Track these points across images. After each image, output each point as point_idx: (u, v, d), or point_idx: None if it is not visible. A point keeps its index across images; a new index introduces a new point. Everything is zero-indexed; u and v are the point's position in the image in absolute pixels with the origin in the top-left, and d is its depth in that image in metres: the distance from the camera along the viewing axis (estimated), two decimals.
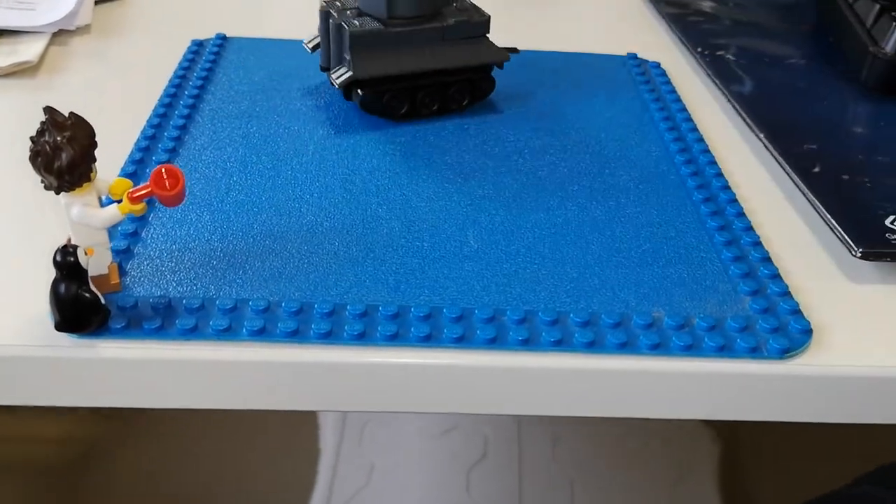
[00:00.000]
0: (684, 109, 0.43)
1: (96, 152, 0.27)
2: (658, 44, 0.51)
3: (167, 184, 0.27)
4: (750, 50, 0.49)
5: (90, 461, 0.79)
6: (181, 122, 0.39)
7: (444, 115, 0.41)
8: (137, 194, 0.27)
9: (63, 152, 0.25)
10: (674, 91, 0.45)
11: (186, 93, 0.41)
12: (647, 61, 0.48)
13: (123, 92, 0.42)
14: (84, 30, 0.47)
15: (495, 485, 0.84)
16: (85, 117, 0.26)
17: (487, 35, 0.40)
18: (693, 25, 0.52)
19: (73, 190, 0.26)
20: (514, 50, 0.49)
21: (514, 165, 0.38)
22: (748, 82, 0.45)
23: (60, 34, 0.46)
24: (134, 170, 0.35)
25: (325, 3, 0.40)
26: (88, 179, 0.26)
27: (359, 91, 0.39)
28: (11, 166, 0.33)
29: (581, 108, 0.43)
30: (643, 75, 0.46)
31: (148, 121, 0.38)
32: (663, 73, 0.47)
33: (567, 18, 0.54)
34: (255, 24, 0.50)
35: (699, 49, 0.49)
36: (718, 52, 0.48)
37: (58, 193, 0.26)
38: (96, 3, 0.50)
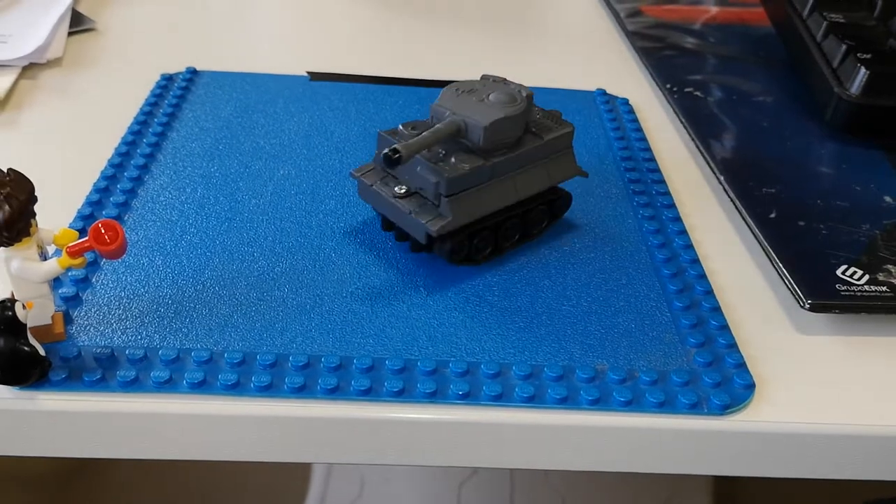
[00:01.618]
0: (648, 149, 0.43)
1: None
2: (630, 79, 0.51)
3: (106, 238, 0.27)
4: (718, 86, 0.49)
5: (84, 471, 0.80)
6: (142, 161, 0.39)
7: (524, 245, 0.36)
8: (76, 248, 0.27)
9: (1, 210, 0.25)
10: (639, 129, 0.45)
11: (151, 129, 0.42)
12: (616, 97, 0.48)
13: (89, 129, 0.42)
14: (55, 62, 0.48)
15: (486, 500, 0.84)
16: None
17: (571, 146, 0.35)
18: (664, 60, 0.52)
19: (13, 245, 0.26)
20: None
21: None
22: (713, 121, 0.45)
23: (31, 67, 0.47)
24: (90, 212, 0.35)
25: (384, 133, 0.34)
26: (28, 234, 0.26)
27: (444, 241, 0.33)
28: None
29: None
30: (611, 112, 0.46)
31: (109, 160, 0.39)
32: (631, 111, 0.47)
33: (540, 51, 0.54)
34: (227, 57, 0.50)
35: (668, 85, 0.49)
36: (687, 89, 0.48)
37: None
38: (69, 34, 0.51)
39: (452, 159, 0.32)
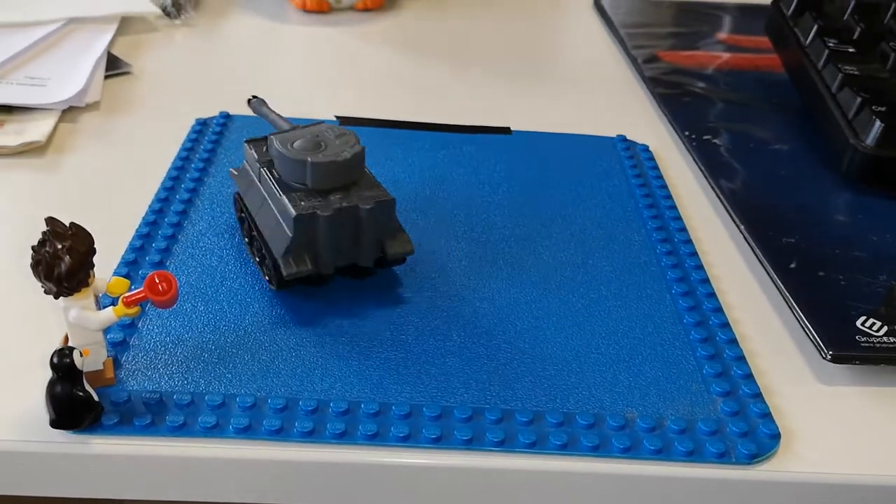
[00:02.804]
0: (669, 197, 0.44)
1: (96, 245, 0.28)
2: (649, 125, 0.53)
3: (160, 288, 0.28)
4: (736, 133, 0.50)
5: None
6: (181, 206, 0.40)
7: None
8: (132, 299, 0.28)
9: (62, 262, 0.27)
10: (660, 176, 0.46)
11: (188, 175, 0.43)
12: (636, 144, 0.49)
13: (129, 173, 0.43)
14: (93, 106, 0.49)
15: None
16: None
17: (290, 233, 0.33)
18: (682, 106, 0.53)
19: (72, 295, 0.27)
20: (506, 130, 0.51)
21: (500, 256, 0.39)
22: (732, 169, 0.46)
23: (70, 111, 0.48)
24: (134, 258, 0.37)
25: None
26: (87, 285, 0.28)
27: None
28: (16, 254, 0.34)
29: (568, 192, 0.44)
30: (631, 158, 0.48)
31: (150, 206, 0.40)
32: (651, 157, 0.48)
33: (560, 97, 0.56)
34: None
35: (686, 132, 0.50)
36: (705, 137, 0.50)
37: (56, 298, 0.28)
38: (105, 77, 0.52)
39: (264, 147, 0.37)
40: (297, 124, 0.37)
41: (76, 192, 0.42)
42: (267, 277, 0.36)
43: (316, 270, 0.34)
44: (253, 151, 0.37)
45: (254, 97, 0.42)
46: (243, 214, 0.38)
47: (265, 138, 0.37)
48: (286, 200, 0.33)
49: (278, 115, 0.40)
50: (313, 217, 0.33)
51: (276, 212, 0.34)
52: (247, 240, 0.38)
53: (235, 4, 0.67)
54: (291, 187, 0.34)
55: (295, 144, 0.35)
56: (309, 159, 0.34)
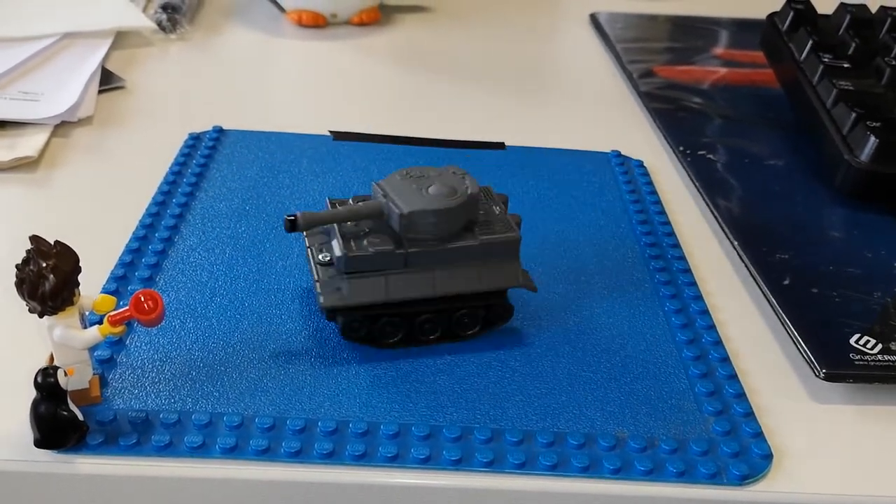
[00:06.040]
0: (663, 212, 0.44)
1: (86, 261, 0.28)
2: (643, 140, 0.53)
3: (146, 307, 0.28)
4: (730, 148, 0.50)
5: None
6: (172, 222, 0.40)
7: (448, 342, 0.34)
8: (118, 318, 0.28)
9: (46, 280, 0.26)
10: (654, 192, 0.46)
11: (180, 189, 0.43)
12: (630, 159, 0.49)
13: (120, 188, 0.43)
14: (86, 121, 0.49)
15: None
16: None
17: (517, 255, 0.33)
18: (677, 121, 0.53)
19: (56, 314, 0.27)
20: (500, 145, 0.50)
21: None
22: (726, 184, 0.46)
23: (63, 125, 0.48)
24: (123, 273, 0.36)
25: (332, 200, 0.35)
26: (71, 303, 0.28)
27: (334, 316, 0.33)
28: (5, 271, 0.34)
29: (562, 207, 0.44)
30: (626, 174, 0.48)
31: (140, 221, 0.40)
32: (646, 173, 0.48)
33: (555, 112, 0.56)
34: (252, 116, 0.52)
35: (681, 147, 0.50)
36: (700, 152, 0.49)
37: (41, 317, 0.27)
38: (99, 91, 0.52)
39: (366, 240, 0.32)
40: (348, 205, 0.33)
41: (67, 207, 0.42)
42: (474, 331, 0.34)
43: None
44: (374, 249, 0.31)
45: (291, 218, 0.32)
46: (383, 320, 0.33)
47: (315, 236, 0.34)
48: (487, 238, 0.33)
49: (328, 211, 0.33)
50: (518, 226, 0.34)
51: (464, 264, 0.32)
52: (395, 340, 0.33)
53: (231, 19, 0.67)
54: (457, 235, 0.32)
55: (432, 193, 0.32)
56: (472, 191, 0.32)
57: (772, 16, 0.57)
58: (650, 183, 0.47)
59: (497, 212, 0.34)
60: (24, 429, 0.28)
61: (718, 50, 0.66)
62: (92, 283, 0.34)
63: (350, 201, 0.34)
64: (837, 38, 0.53)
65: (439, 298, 0.33)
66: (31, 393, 0.27)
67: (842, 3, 0.55)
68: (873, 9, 0.55)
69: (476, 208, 0.33)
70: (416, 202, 0.32)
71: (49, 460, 0.28)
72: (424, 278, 0.32)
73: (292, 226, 0.31)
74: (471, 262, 0.32)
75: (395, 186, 0.33)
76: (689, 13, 0.73)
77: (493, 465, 0.29)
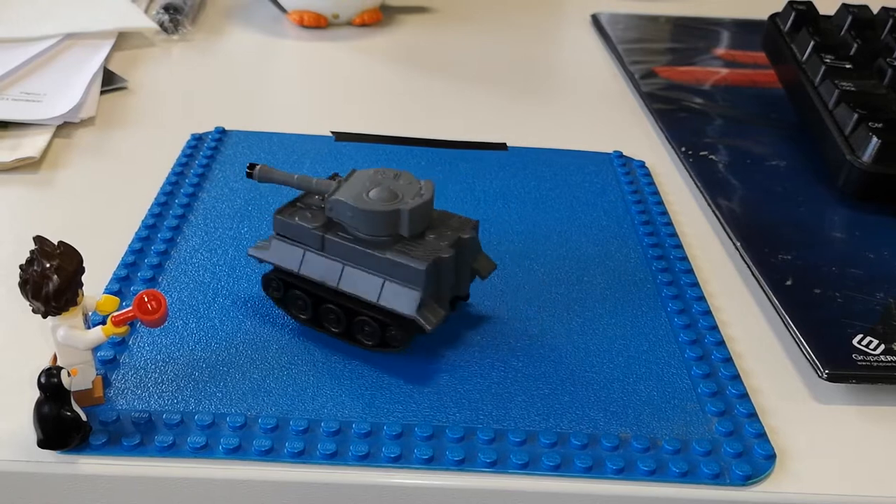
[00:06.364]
0: (665, 213, 0.44)
1: (88, 262, 0.28)
2: (645, 140, 0.53)
3: (149, 307, 0.28)
4: (732, 149, 0.50)
5: None
6: (175, 222, 0.40)
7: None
8: (121, 318, 0.28)
9: (50, 281, 0.26)
10: (656, 192, 0.46)
11: (183, 190, 0.43)
12: (632, 160, 0.49)
13: (122, 188, 0.43)
14: (88, 121, 0.49)
15: None
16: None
17: (420, 287, 0.31)
18: (679, 122, 0.53)
19: (60, 314, 0.27)
20: (502, 146, 0.51)
21: (494, 273, 0.38)
22: (728, 185, 0.46)
23: (65, 126, 0.48)
24: (126, 274, 0.36)
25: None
26: (75, 304, 0.28)
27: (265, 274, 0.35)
28: (8, 273, 0.34)
29: (564, 208, 0.44)
30: (628, 175, 0.48)
31: (143, 221, 0.40)
32: (648, 174, 0.48)
33: (557, 112, 0.56)
34: (255, 117, 0.52)
35: (683, 148, 0.50)
36: (701, 152, 0.49)
37: (45, 318, 0.27)
38: (101, 92, 0.52)
39: (306, 213, 0.34)
40: (306, 175, 0.34)
41: (70, 208, 0.42)
42: (371, 343, 0.33)
43: (450, 312, 0.33)
44: (298, 220, 0.33)
45: (251, 167, 0.35)
46: (295, 291, 0.34)
47: (293, 204, 0.34)
48: (394, 256, 0.31)
49: (283, 172, 0.35)
50: (437, 263, 0.31)
51: (373, 272, 0.32)
52: (304, 316, 0.34)
53: (233, 20, 0.67)
54: (377, 242, 0.32)
55: (371, 195, 0.32)
56: (401, 207, 0.31)
57: (773, 16, 0.57)
58: (652, 184, 0.47)
59: (432, 239, 0.33)
60: (27, 429, 0.28)
61: (720, 51, 0.66)
62: (95, 284, 0.34)
63: (332, 179, 0.35)
64: (839, 39, 0.53)
65: (344, 295, 0.33)
66: (35, 393, 0.27)
67: (843, 4, 0.55)
68: (875, 9, 0.55)
69: (418, 224, 0.32)
70: (347, 194, 0.32)
71: (52, 461, 0.28)
72: (333, 268, 0.33)
73: (249, 175, 0.35)
74: (378, 272, 0.32)
75: (356, 177, 0.34)
76: (690, 14, 0.73)
77: (497, 465, 0.29)
